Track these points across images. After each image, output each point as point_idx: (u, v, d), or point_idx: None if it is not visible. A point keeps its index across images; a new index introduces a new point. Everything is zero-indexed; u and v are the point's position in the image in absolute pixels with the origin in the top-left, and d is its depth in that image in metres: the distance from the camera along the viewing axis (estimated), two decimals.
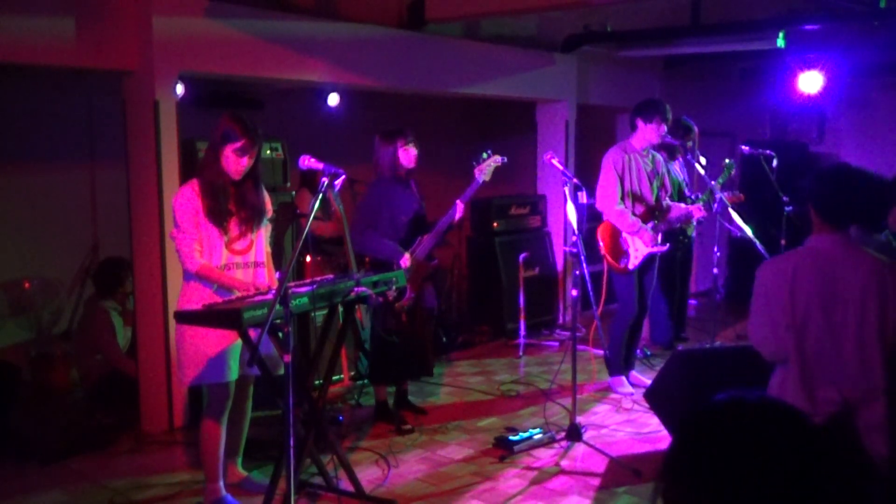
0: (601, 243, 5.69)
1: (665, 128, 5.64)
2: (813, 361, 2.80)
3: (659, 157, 5.84)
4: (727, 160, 6.38)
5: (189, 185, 3.88)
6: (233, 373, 3.91)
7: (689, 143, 6.20)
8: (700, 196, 6.28)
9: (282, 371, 3.56)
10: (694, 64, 9.09)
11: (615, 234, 5.66)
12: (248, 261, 3.97)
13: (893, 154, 8.54)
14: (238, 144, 3.80)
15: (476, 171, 4.98)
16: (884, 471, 2.76)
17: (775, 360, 2.92)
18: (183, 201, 3.82)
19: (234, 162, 3.82)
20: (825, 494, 1.23)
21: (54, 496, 4.31)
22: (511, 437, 4.88)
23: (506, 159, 5.02)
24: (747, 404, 1.28)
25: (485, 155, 5.00)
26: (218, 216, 3.83)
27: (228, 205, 3.87)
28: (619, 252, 5.67)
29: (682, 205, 5.98)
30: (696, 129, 6.54)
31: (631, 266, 5.65)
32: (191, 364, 3.86)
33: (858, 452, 2.75)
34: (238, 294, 3.85)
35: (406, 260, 4.97)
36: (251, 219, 3.95)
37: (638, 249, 5.63)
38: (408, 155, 5.11)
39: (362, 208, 5.15)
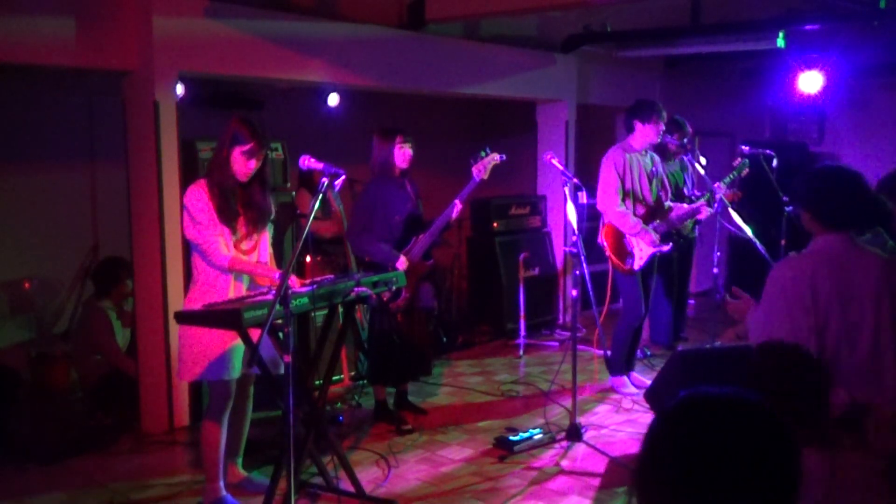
0: (605, 244, 5.69)
1: (663, 126, 5.65)
2: (830, 363, 2.78)
3: (657, 157, 5.85)
4: (741, 159, 6.35)
5: (197, 185, 3.90)
6: (235, 371, 3.91)
7: (685, 141, 6.20)
8: (701, 196, 6.28)
9: (282, 371, 3.56)
10: (694, 64, 9.09)
11: (619, 235, 5.66)
12: (252, 261, 3.99)
13: (893, 154, 8.53)
14: (247, 147, 3.83)
15: (474, 170, 4.96)
16: (892, 467, 2.76)
17: None
18: (196, 200, 3.83)
19: (243, 164, 3.85)
20: (792, 485, 1.25)
21: (54, 496, 4.31)
22: (511, 438, 4.88)
23: (505, 157, 5.00)
24: (714, 400, 1.30)
25: (483, 153, 4.98)
26: (226, 216, 3.86)
27: (236, 206, 3.89)
28: (624, 253, 5.67)
29: (685, 205, 5.98)
30: (689, 127, 6.54)
31: (636, 266, 5.65)
32: (193, 359, 3.86)
33: (864, 451, 2.75)
34: (258, 281, 3.95)
35: (402, 263, 4.96)
36: (257, 220, 3.99)
37: (642, 250, 5.64)
38: (403, 155, 5.10)
39: (357, 210, 5.15)
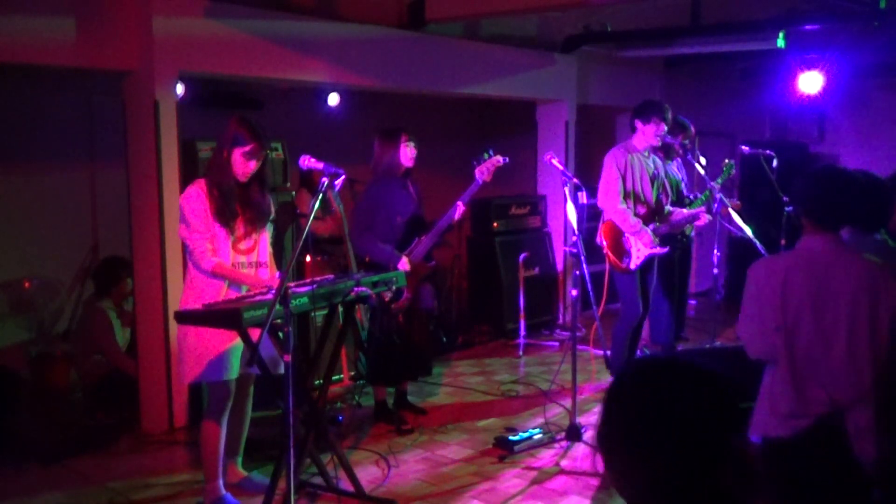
0: (604, 242, 5.69)
1: (664, 127, 5.63)
2: (802, 363, 2.80)
3: (659, 161, 5.85)
4: (727, 160, 6.37)
5: (196, 184, 3.90)
6: (234, 371, 3.91)
7: (686, 142, 6.21)
8: (700, 196, 6.28)
9: (282, 371, 3.56)
10: (694, 64, 9.09)
11: (617, 234, 5.66)
12: (252, 260, 4.00)
13: (893, 154, 8.54)
14: (247, 148, 3.83)
15: (477, 172, 4.96)
16: (872, 473, 2.77)
17: (762, 359, 2.92)
18: (191, 201, 3.84)
19: (243, 165, 3.86)
20: (728, 426, 1.48)
21: (54, 496, 4.31)
22: (511, 437, 4.88)
23: (507, 159, 5.00)
24: (657, 363, 1.55)
25: (486, 155, 4.97)
26: (224, 216, 3.85)
27: (234, 206, 3.89)
28: (622, 251, 5.67)
29: (685, 210, 5.98)
30: (692, 127, 6.54)
31: (633, 266, 5.64)
32: (192, 361, 3.87)
33: (846, 454, 2.76)
34: (250, 290, 3.90)
35: (404, 263, 4.96)
36: (256, 220, 3.98)
37: (639, 250, 5.63)
38: (408, 153, 5.11)
39: (359, 210, 5.15)
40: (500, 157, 4.96)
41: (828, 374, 2.78)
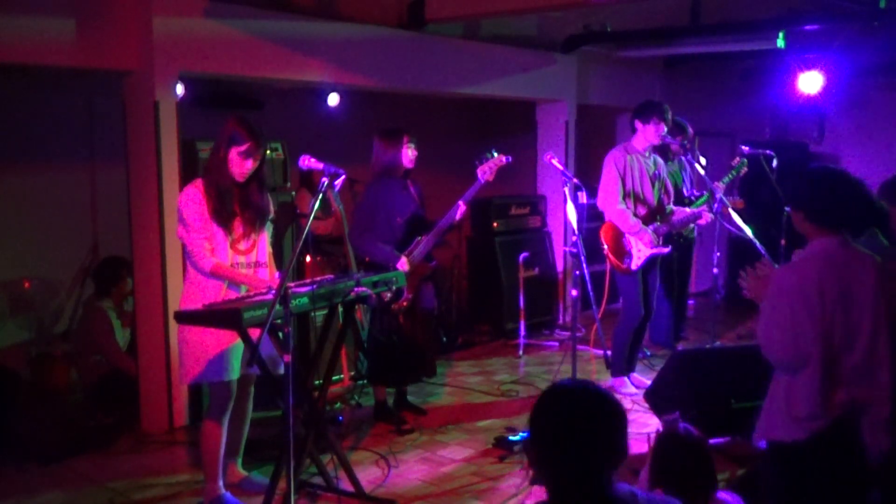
0: (604, 243, 5.69)
1: (664, 127, 5.64)
2: (832, 365, 2.79)
3: (660, 160, 5.85)
4: (741, 158, 6.34)
5: (194, 185, 3.90)
6: (234, 372, 3.91)
7: (685, 142, 6.21)
8: (701, 195, 6.27)
9: (282, 371, 3.57)
10: (694, 64, 9.09)
11: (618, 235, 5.66)
12: (251, 261, 4.00)
13: (893, 154, 8.53)
14: (243, 147, 3.82)
15: (479, 171, 4.95)
16: (884, 468, 2.78)
17: (792, 367, 2.85)
18: (189, 201, 3.84)
19: (239, 164, 3.85)
20: (620, 437, 1.90)
21: (54, 496, 4.31)
22: (511, 437, 4.88)
23: (511, 159, 5.00)
24: (566, 389, 1.98)
25: (489, 154, 4.96)
26: (222, 217, 3.85)
27: (233, 206, 3.89)
28: (622, 252, 5.67)
29: (688, 209, 5.98)
30: (690, 128, 6.54)
31: (634, 266, 5.64)
32: (193, 362, 3.86)
33: (854, 453, 2.77)
34: (249, 291, 3.90)
35: (403, 264, 4.96)
36: (255, 220, 3.98)
37: (640, 250, 5.63)
38: (410, 154, 5.12)
39: (359, 211, 5.15)
40: (503, 157, 4.95)
41: (852, 373, 2.78)
